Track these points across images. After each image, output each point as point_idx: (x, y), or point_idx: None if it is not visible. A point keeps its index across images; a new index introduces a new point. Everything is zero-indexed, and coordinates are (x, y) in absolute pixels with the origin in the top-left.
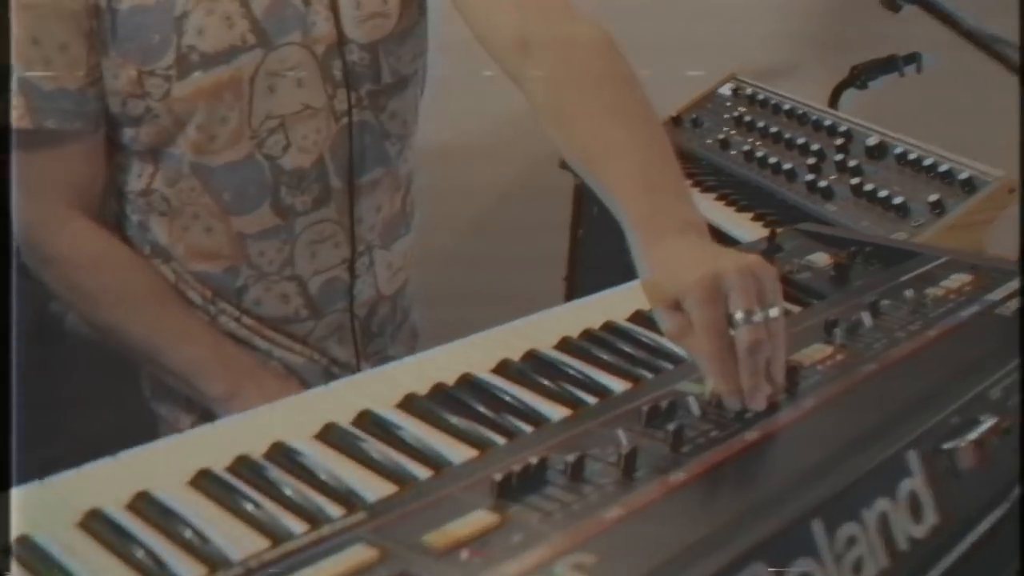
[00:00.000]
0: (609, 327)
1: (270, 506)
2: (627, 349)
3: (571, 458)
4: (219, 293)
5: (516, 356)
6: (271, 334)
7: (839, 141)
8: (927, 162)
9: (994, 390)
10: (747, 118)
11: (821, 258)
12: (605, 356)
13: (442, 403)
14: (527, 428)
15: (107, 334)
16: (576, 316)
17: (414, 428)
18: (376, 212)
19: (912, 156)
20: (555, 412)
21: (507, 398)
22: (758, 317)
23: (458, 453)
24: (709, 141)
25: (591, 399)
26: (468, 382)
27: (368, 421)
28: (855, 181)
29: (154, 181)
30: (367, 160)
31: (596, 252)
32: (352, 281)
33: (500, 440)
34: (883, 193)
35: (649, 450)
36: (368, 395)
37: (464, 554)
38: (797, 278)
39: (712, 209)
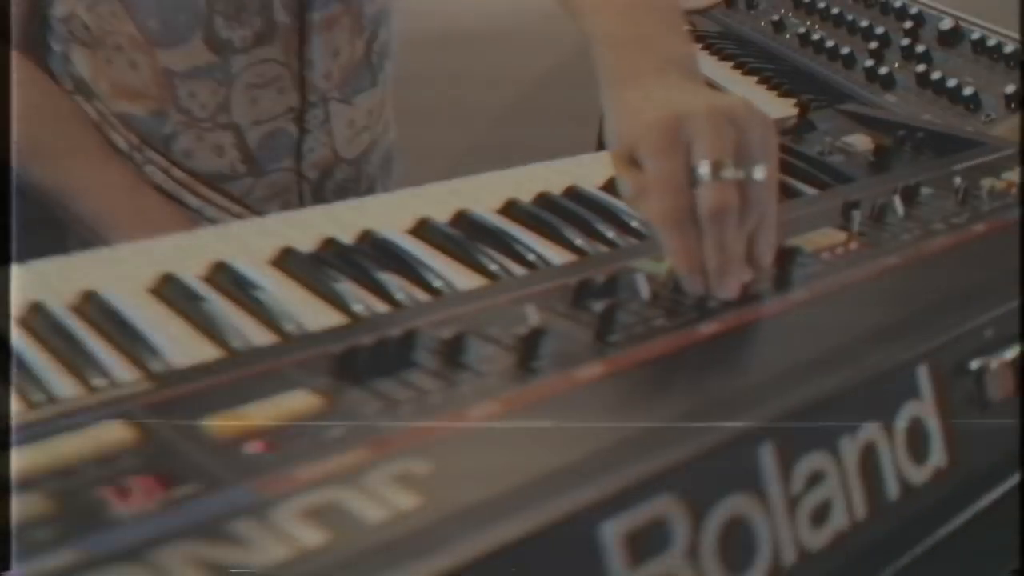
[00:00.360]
0: (572, 193)
1: None
2: (588, 218)
3: (447, 335)
4: (146, 140)
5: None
6: (204, 191)
7: (908, 24)
8: (1007, 49)
9: None
10: None
11: (861, 141)
12: (555, 225)
13: (347, 253)
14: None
15: (20, 175)
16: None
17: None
18: (332, 57)
19: (991, 42)
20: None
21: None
22: (728, 173)
23: (328, 318)
24: (763, 23)
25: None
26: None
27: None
28: (921, 69)
29: (76, 4)
30: None
31: None
32: (301, 135)
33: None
34: (952, 83)
35: (564, 334)
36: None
37: (248, 447)
38: (827, 160)
39: (751, 92)
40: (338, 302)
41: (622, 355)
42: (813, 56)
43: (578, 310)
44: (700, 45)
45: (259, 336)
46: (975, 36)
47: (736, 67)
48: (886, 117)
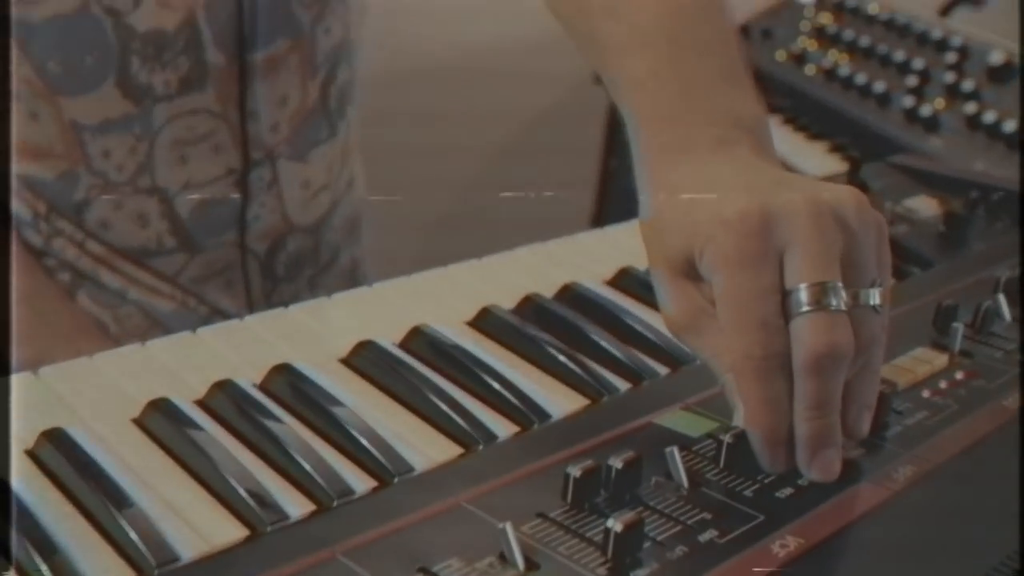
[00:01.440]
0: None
1: None
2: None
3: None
4: (55, 207)
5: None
6: (127, 268)
7: (951, 58)
8: None
9: None
10: (831, 29)
11: (925, 204)
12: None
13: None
14: None
15: None
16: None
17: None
18: (279, 105)
19: None
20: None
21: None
22: (836, 301)
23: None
24: (781, 56)
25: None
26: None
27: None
28: (971, 109)
29: None
30: (263, 26)
31: (630, 188)
32: (244, 202)
33: None
34: (1009, 126)
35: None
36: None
37: None
38: (889, 233)
39: (776, 134)
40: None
41: None
42: (842, 93)
43: (581, 518)
44: None
45: None
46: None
47: None
48: (949, 173)
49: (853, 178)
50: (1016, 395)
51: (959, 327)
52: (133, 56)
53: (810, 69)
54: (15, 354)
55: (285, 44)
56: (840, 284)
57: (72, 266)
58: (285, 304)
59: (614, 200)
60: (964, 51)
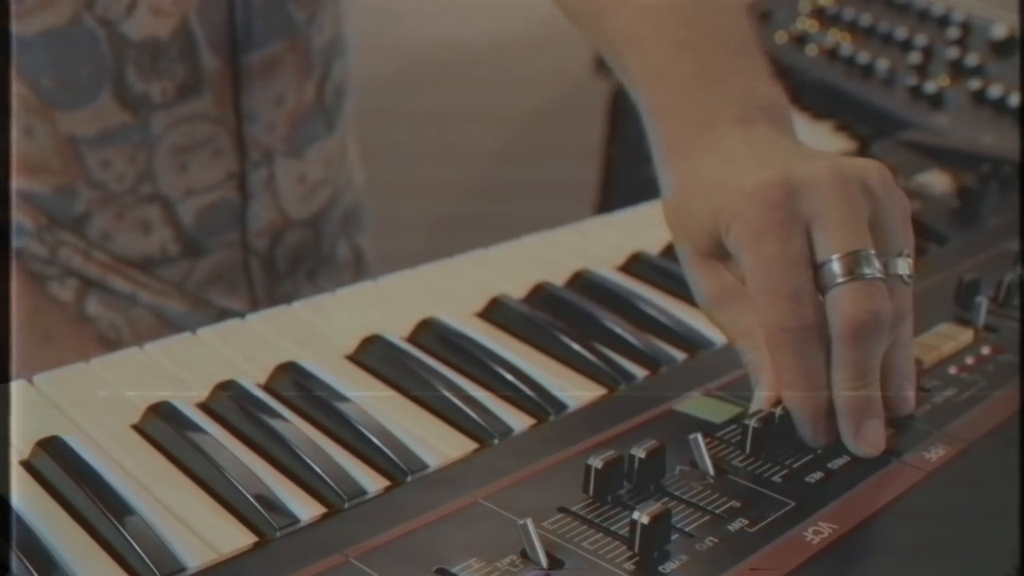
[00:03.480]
0: (542, 291)
1: None
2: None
3: None
4: (55, 220)
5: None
6: (134, 274)
7: (954, 34)
8: None
9: None
10: (831, 9)
11: (938, 180)
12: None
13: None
14: None
15: None
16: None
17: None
18: (276, 105)
19: None
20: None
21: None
22: (870, 270)
23: None
24: (782, 37)
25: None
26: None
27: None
28: (976, 84)
29: None
30: (258, 28)
31: (633, 180)
32: (244, 204)
33: None
34: (1015, 100)
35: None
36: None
37: None
38: None
39: None
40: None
41: None
42: (845, 73)
43: (604, 511)
44: None
45: None
46: None
47: None
48: (959, 147)
49: (863, 155)
50: None
51: (982, 301)
52: (128, 65)
53: (811, 50)
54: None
55: (281, 45)
56: (873, 252)
57: (79, 273)
58: (288, 300)
59: (618, 191)
60: (966, 26)
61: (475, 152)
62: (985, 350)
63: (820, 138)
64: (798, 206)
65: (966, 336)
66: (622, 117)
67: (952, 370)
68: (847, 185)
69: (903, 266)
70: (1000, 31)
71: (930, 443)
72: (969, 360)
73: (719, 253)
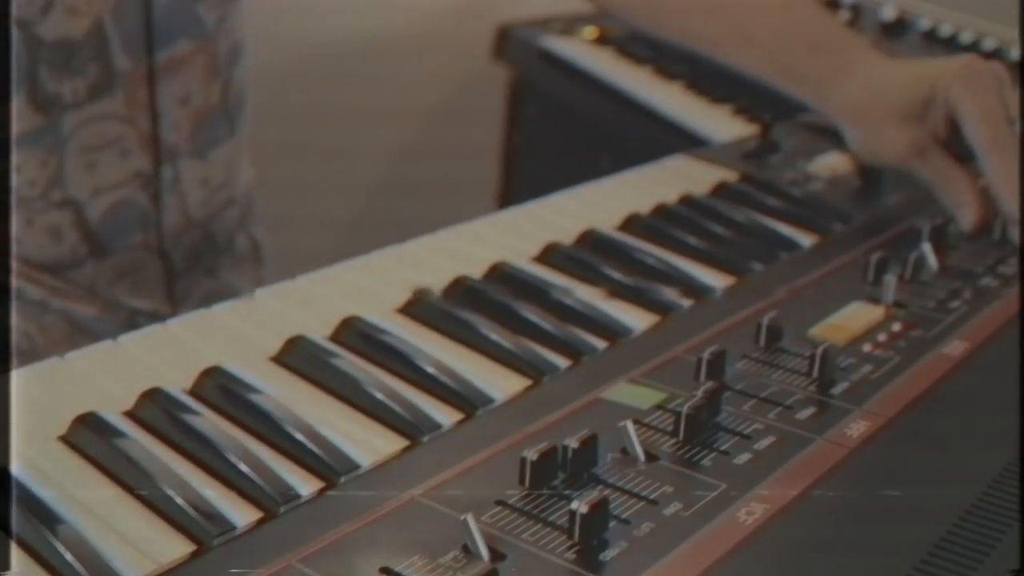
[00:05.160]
0: (461, 284)
1: None
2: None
3: None
4: None
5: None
6: (44, 278)
7: (844, 16)
8: (964, 38)
9: None
10: None
11: (838, 161)
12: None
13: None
14: None
15: None
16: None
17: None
18: (182, 105)
19: (944, 31)
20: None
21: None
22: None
23: None
24: None
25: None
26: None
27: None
28: None
29: None
30: (170, 27)
31: (536, 164)
32: (155, 204)
33: None
34: None
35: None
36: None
37: None
38: (807, 191)
39: (680, 102)
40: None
41: None
42: None
43: (541, 501)
44: (612, 51)
45: None
46: (925, 25)
47: (656, 72)
48: None
49: (765, 139)
50: (957, 342)
51: (892, 279)
52: (42, 66)
53: None
54: None
55: (191, 45)
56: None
57: None
58: (189, 296)
59: (520, 183)
60: (857, 9)
61: (374, 151)
62: (896, 327)
63: (720, 122)
64: (995, 77)
65: (877, 314)
66: (520, 110)
67: (866, 347)
68: (1002, 71)
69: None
70: (890, 13)
71: (850, 420)
72: (882, 337)
73: (919, 116)
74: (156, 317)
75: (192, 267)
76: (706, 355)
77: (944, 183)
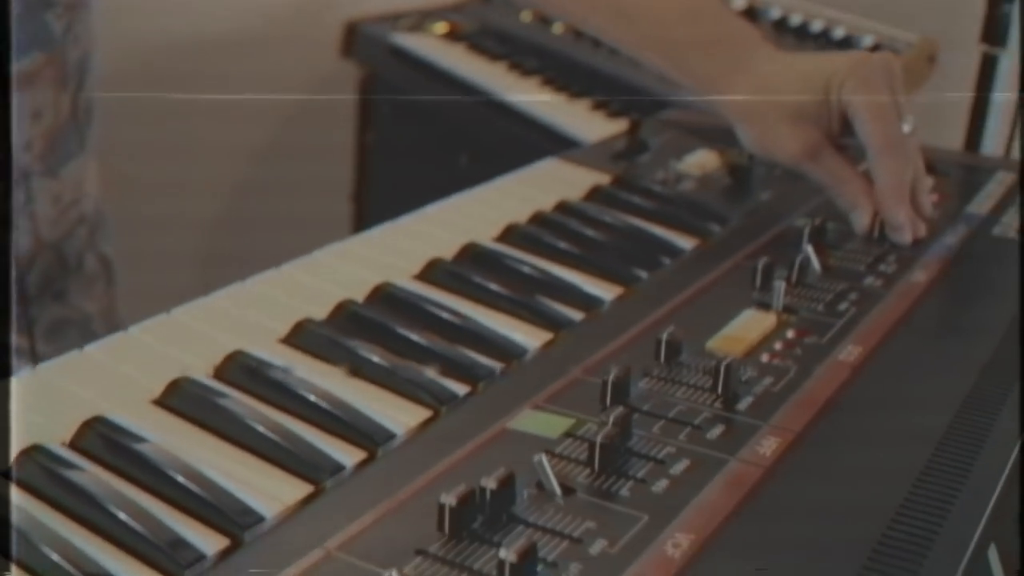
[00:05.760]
0: (344, 310)
1: None
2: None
3: None
4: None
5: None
6: None
7: None
8: (837, 34)
9: None
10: None
11: (707, 159)
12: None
13: None
14: None
15: None
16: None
17: None
18: (34, 120)
19: (794, 21)
20: None
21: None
22: (908, 126)
23: None
24: (527, 16)
25: None
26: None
27: None
28: None
29: None
30: (17, 38)
31: (390, 163)
32: (5, 229)
33: None
34: None
35: None
36: None
37: None
38: (680, 192)
39: (536, 97)
40: None
41: None
42: (592, 50)
43: (463, 548)
44: (464, 46)
45: None
46: (775, 15)
47: (511, 67)
48: (721, 124)
49: (633, 138)
50: (851, 347)
51: (781, 285)
52: None
53: (557, 28)
54: None
55: (40, 57)
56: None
57: None
58: (36, 323)
59: (375, 178)
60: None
61: (229, 152)
62: (790, 334)
63: (578, 117)
64: (887, 73)
65: (769, 321)
66: (372, 108)
67: (764, 358)
68: (893, 66)
69: (909, 126)
70: (776, 13)
71: (760, 437)
72: (778, 346)
73: (812, 116)
74: (18, 352)
75: (42, 292)
76: (611, 377)
77: (838, 185)
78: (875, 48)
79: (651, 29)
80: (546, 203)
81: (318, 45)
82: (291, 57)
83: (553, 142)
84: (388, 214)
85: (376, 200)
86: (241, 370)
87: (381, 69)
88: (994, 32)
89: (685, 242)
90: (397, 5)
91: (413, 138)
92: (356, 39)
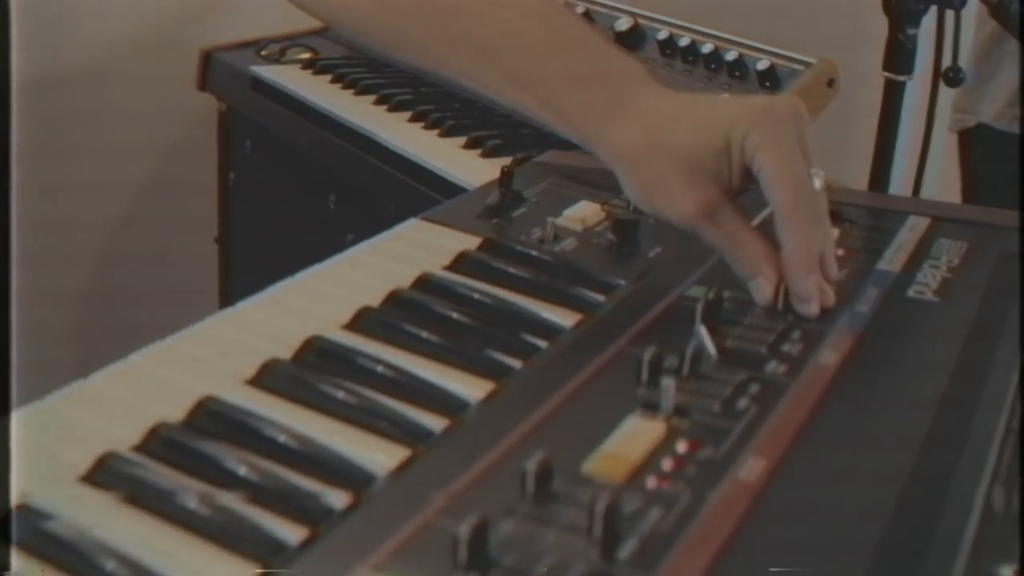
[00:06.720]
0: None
1: None
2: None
3: None
4: None
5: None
6: None
7: None
8: (728, 56)
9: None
10: None
11: (588, 212)
12: None
13: None
14: None
15: None
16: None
17: None
18: None
19: (682, 43)
20: None
21: None
22: (819, 181)
23: None
24: None
25: None
26: None
27: None
28: None
29: None
30: None
31: (254, 201)
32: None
33: None
34: None
35: None
36: None
37: None
38: (556, 254)
39: (406, 133)
40: None
41: None
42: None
43: None
44: (329, 78)
45: None
46: (662, 35)
47: (379, 101)
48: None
49: (506, 189)
50: (752, 460)
51: (670, 384)
52: None
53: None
54: None
55: None
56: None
57: None
58: None
59: (239, 219)
60: (589, 16)
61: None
62: (681, 447)
63: (452, 156)
64: (797, 122)
65: (657, 430)
66: (233, 144)
67: (651, 482)
68: (801, 115)
69: (819, 181)
70: (624, 24)
71: None
72: (667, 464)
73: (709, 169)
74: None
75: None
76: (465, 532)
77: (735, 250)
78: (769, 70)
79: (518, 65)
80: (408, 277)
81: (181, 77)
82: (153, 91)
83: (424, 182)
84: (253, 258)
85: (241, 244)
86: (213, 417)
87: (238, 103)
88: (898, 59)
89: (564, 318)
90: (260, 30)
91: (278, 177)
92: (211, 69)
